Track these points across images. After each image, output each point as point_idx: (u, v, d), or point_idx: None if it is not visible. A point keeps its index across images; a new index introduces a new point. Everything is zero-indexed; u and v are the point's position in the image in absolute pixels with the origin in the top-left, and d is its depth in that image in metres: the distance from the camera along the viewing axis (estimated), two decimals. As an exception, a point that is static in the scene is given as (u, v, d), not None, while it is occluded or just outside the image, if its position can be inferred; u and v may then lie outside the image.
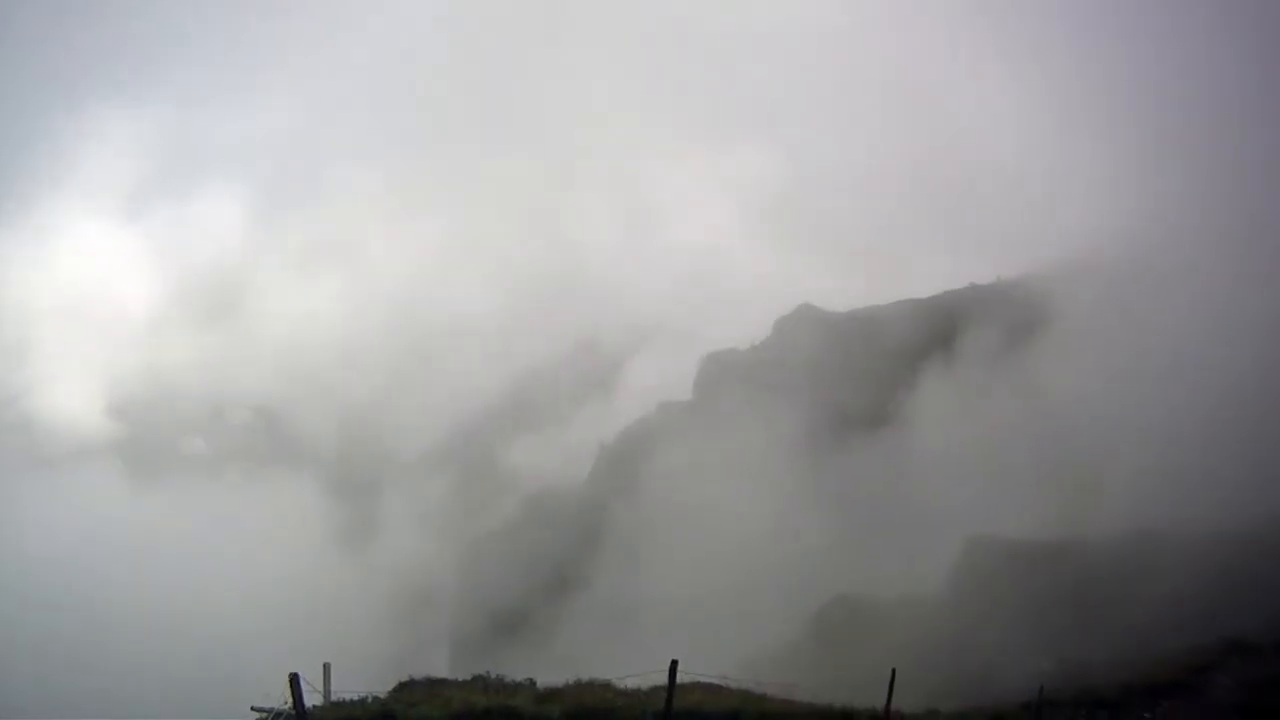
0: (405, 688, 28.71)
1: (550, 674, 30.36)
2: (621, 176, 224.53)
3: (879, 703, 27.05)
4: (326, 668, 22.85)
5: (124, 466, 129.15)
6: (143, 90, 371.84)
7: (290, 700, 20.38)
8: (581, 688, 28.41)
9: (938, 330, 72.11)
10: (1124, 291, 62.78)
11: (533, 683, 29.58)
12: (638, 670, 27.29)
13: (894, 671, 26.64)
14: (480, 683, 29.67)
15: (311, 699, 21.11)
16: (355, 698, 25.45)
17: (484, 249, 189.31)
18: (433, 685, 29.25)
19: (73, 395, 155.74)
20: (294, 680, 20.33)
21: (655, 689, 26.31)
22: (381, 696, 26.78)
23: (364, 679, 26.42)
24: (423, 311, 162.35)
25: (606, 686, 28.37)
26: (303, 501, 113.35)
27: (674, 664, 23.00)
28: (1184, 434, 47.00)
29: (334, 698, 23.99)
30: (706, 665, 27.78)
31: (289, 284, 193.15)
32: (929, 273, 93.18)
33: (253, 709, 22.98)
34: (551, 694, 27.96)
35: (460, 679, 30.61)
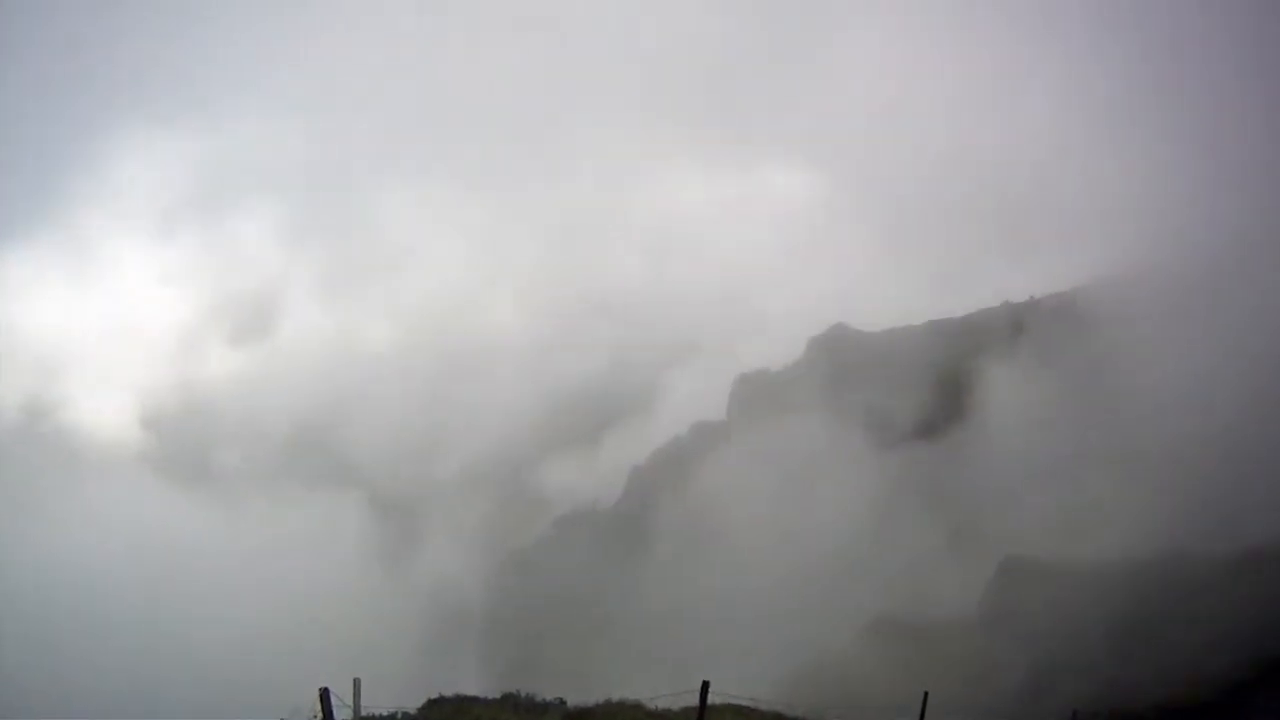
0: (435, 704, 28.69)
1: (580, 693, 30.28)
2: (653, 197, 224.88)
3: (911, 725, 26.84)
4: (356, 683, 22.87)
5: (158, 479, 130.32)
6: (179, 111, 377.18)
7: (320, 714, 20.43)
8: (612, 708, 28.30)
9: (971, 349, 71.60)
10: (1163, 308, 62.03)
11: (562, 702, 29.49)
12: (669, 691, 27.20)
13: (925, 694, 26.42)
14: (510, 701, 29.62)
15: (341, 714, 21.14)
16: (385, 713, 25.49)
17: (517, 270, 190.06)
18: (462, 703, 29.23)
19: (108, 409, 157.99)
20: (324, 695, 20.39)
21: (686, 710, 26.22)
22: (411, 713, 26.83)
23: (394, 695, 26.46)
24: (457, 332, 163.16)
25: (637, 707, 28.27)
26: (336, 518, 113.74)
27: (705, 685, 22.92)
28: (1224, 452, 46.38)
29: (364, 713, 24.01)
30: (738, 687, 27.62)
31: (323, 303, 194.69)
32: (962, 291, 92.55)
33: (281, 722, 23.07)
34: (581, 713, 27.88)
35: (490, 697, 30.59)
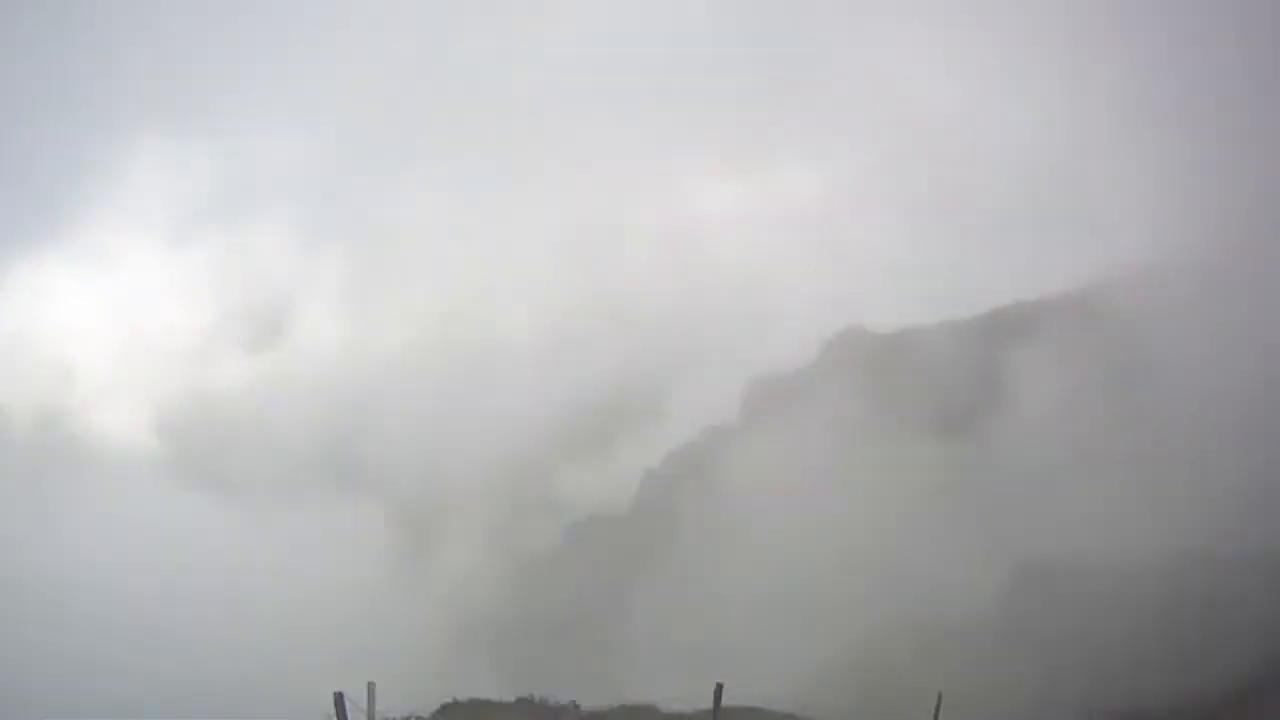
0: (450, 709, 28.78)
1: (595, 697, 30.28)
2: (663, 199, 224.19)
3: (925, 727, 26.75)
4: (371, 687, 22.85)
5: (173, 486, 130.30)
6: (193, 118, 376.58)
7: (334, 719, 20.44)
8: (626, 711, 28.34)
9: (986, 348, 71.25)
10: (1181, 305, 61.59)
11: (577, 706, 29.51)
12: (682, 693, 27.16)
13: (940, 695, 26.33)
14: (525, 705, 29.68)
15: (355, 719, 21.18)
16: (400, 718, 25.51)
17: (529, 275, 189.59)
18: (477, 707, 29.31)
19: (122, 416, 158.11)
20: (338, 699, 20.40)
21: (700, 712, 26.18)
22: (426, 717, 26.89)
23: (409, 699, 26.48)
24: (470, 337, 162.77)
25: (651, 710, 28.32)
26: (350, 522, 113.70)
27: (719, 687, 22.87)
28: (1248, 450, 46.04)
29: (378, 717, 24.05)
30: (752, 689, 27.57)
31: (338, 309, 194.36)
32: (975, 291, 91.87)
33: (295, 729, 23.07)
34: (596, 717, 27.93)
35: (505, 701, 30.63)
